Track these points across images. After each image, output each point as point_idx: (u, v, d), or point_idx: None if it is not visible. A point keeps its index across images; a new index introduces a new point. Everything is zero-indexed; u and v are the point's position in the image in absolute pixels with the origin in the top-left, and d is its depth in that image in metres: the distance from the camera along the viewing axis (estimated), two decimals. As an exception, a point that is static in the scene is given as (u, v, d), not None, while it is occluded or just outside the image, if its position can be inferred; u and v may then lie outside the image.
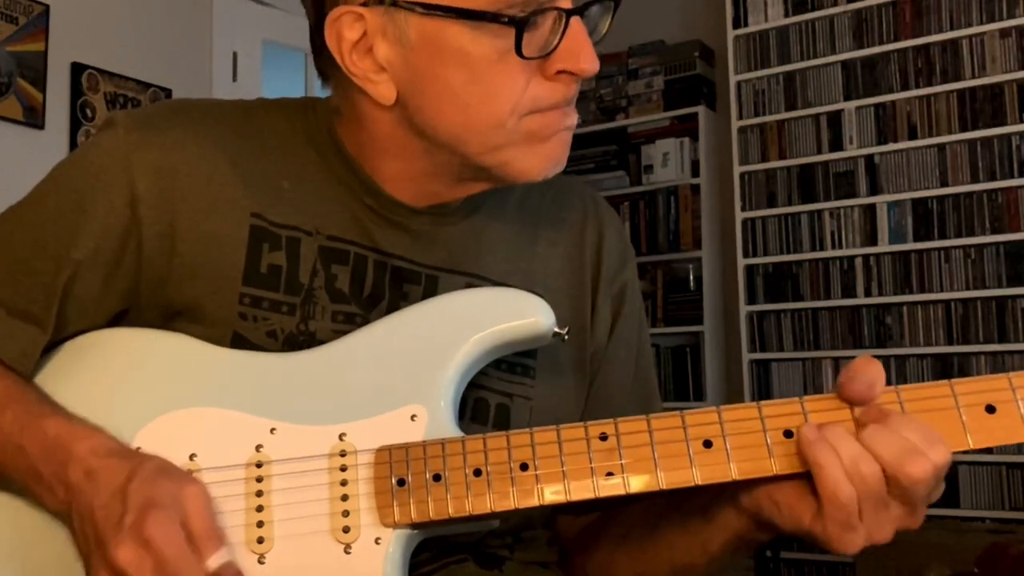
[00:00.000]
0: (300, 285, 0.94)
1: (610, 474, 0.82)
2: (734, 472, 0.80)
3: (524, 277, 1.00)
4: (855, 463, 0.76)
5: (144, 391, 0.89)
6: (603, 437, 0.83)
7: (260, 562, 0.83)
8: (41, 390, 0.91)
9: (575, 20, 0.85)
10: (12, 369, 0.91)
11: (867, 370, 0.80)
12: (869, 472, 0.75)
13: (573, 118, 0.91)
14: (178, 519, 0.77)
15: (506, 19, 0.82)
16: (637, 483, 0.81)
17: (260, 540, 0.83)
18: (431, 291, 0.97)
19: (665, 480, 0.81)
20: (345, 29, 0.87)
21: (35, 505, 0.88)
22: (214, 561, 0.78)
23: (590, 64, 0.86)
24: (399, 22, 0.85)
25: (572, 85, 0.88)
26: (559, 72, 0.86)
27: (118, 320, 0.95)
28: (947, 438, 0.78)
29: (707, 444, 0.81)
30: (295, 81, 4.15)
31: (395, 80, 0.88)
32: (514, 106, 0.86)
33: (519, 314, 0.90)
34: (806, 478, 0.79)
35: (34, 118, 3.19)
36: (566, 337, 0.91)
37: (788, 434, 0.81)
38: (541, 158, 0.90)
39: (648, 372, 1.11)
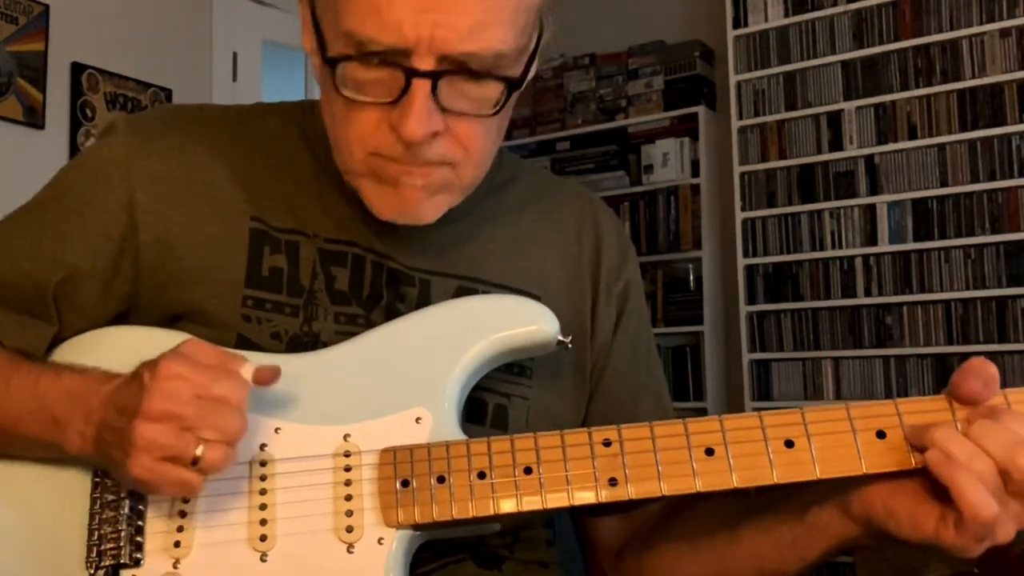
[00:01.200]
0: (302, 287, 0.95)
1: (613, 480, 0.83)
2: (735, 480, 0.81)
3: (519, 279, 1.01)
4: (969, 460, 0.75)
5: None
6: (607, 443, 0.84)
7: (263, 560, 0.83)
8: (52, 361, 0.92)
9: (418, 84, 0.80)
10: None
11: (983, 368, 0.79)
12: (985, 468, 0.74)
13: (416, 178, 0.87)
14: (189, 359, 0.80)
15: (324, 55, 0.83)
16: (639, 489, 0.82)
17: (263, 538, 0.84)
18: (424, 293, 0.97)
19: (667, 487, 0.82)
20: (301, 8, 0.90)
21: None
22: (247, 370, 0.81)
23: (408, 131, 0.81)
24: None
25: (406, 148, 0.84)
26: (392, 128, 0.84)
27: (118, 321, 0.96)
28: None
29: (709, 452, 0.82)
30: (295, 81, 4.15)
31: None
32: (360, 141, 0.86)
33: (524, 321, 0.91)
34: (916, 481, 0.79)
35: (34, 118, 3.19)
36: (570, 346, 0.92)
37: (789, 444, 0.81)
38: (387, 202, 0.89)
39: (656, 366, 1.11)
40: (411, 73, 0.80)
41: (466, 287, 0.99)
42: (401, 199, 0.88)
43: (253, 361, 0.82)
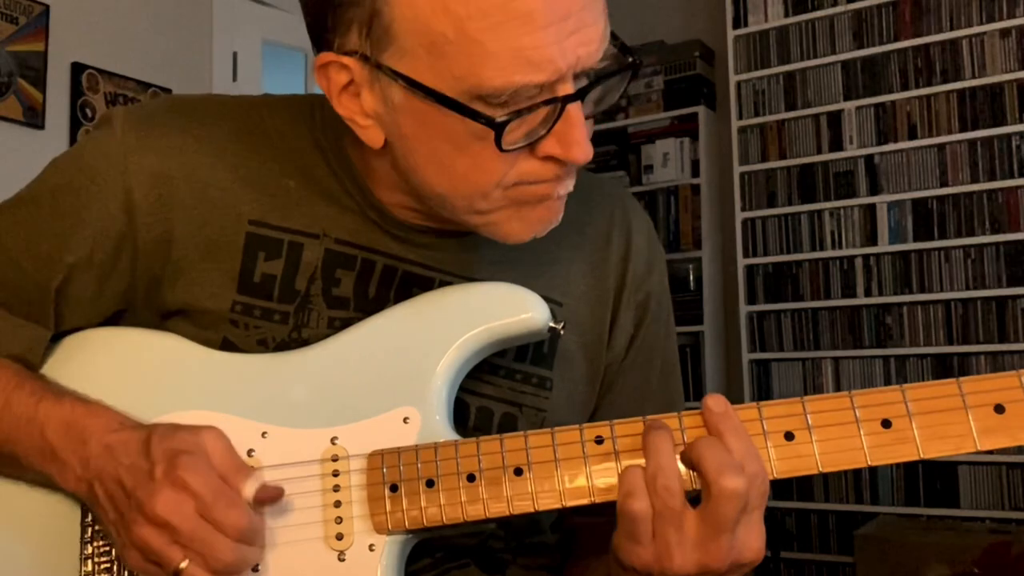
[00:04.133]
0: (296, 292, 0.92)
1: (606, 479, 0.80)
2: None
3: (542, 282, 0.97)
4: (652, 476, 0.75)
5: (135, 394, 0.89)
6: (599, 440, 0.81)
7: (254, 569, 0.82)
8: (50, 378, 0.91)
9: (573, 108, 0.78)
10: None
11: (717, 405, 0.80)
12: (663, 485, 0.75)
13: (566, 186, 0.85)
14: (205, 460, 0.79)
15: (484, 119, 0.76)
16: None
17: None
18: None
19: None
20: (333, 73, 0.83)
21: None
22: (250, 487, 0.80)
23: (580, 154, 0.79)
24: (384, 84, 0.80)
25: (564, 165, 0.82)
26: (548, 156, 0.81)
27: (116, 318, 0.95)
28: (954, 440, 0.76)
29: None
30: (295, 81, 4.15)
31: (383, 129, 0.84)
32: (500, 180, 0.81)
33: (512, 310, 0.88)
34: None
35: (34, 118, 3.18)
36: (562, 332, 0.89)
37: (789, 436, 0.79)
38: (527, 223, 0.86)
39: (673, 378, 1.08)
40: (564, 100, 0.77)
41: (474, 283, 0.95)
42: (540, 215, 0.86)
43: (260, 476, 0.81)
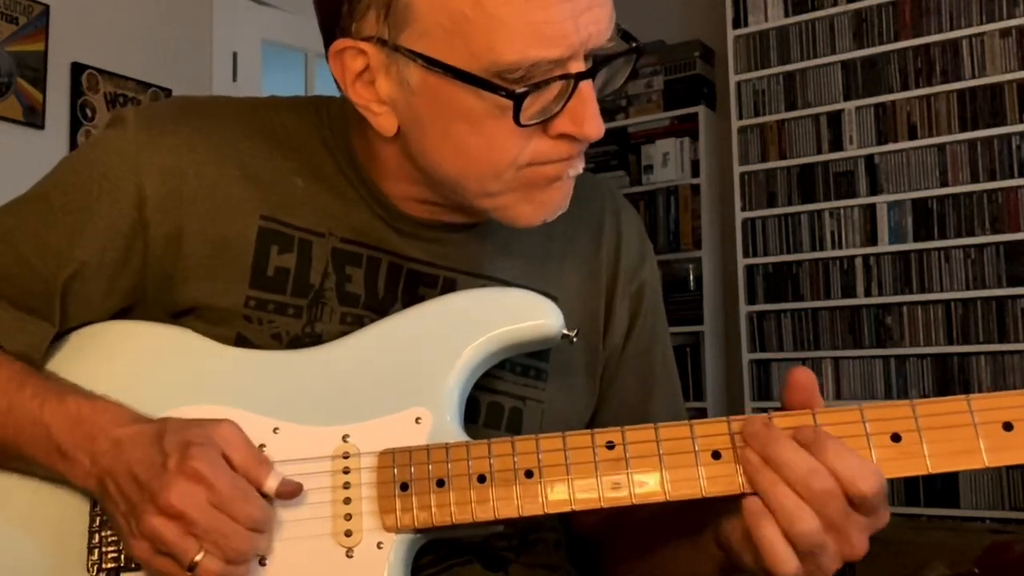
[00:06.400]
0: (310, 287, 0.93)
1: (616, 484, 0.80)
2: (743, 483, 0.78)
3: (539, 278, 0.99)
4: (807, 476, 0.75)
5: (147, 387, 0.89)
6: (610, 445, 0.81)
7: (261, 563, 0.83)
8: (54, 373, 0.91)
9: (585, 85, 0.81)
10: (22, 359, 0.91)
11: (807, 379, 0.80)
12: (822, 486, 0.74)
13: (577, 168, 0.88)
14: (218, 452, 0.79)
15: (504, 92, 0.79)
16: (644, 494, 0.80)
17: None
18: (448, 293, 0.95)
19: (672, 491, 0.79)
20: (348, 60, 0.86)
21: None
22: (272, 481, 0.81)
23: (594, 130, 0.83)
24: (401, 65, 0.83)
25: (576, 144, 0.85)
26: (562, 134, 0.84)
27: (122, 315, 0.95)
28: (963, 456, 0.76)
29: (716, 455, 0.79)
30: (295, 81, 4.15)
31: (396, 114, 0.87)
32: (514, 159, 0.84)
33: (527, 316, 0.89)
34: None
35: (34, 118, 3.18)
36: (575, 339, 0.91)
37: None
38: (537, 205, 0.89)
39: (671, 368, 1.10)
40: (578, 77, 0.80)
41: (490, 286, 0.97)
42: (549, 198, 0.89)
43: (279, 472, 0.82)
